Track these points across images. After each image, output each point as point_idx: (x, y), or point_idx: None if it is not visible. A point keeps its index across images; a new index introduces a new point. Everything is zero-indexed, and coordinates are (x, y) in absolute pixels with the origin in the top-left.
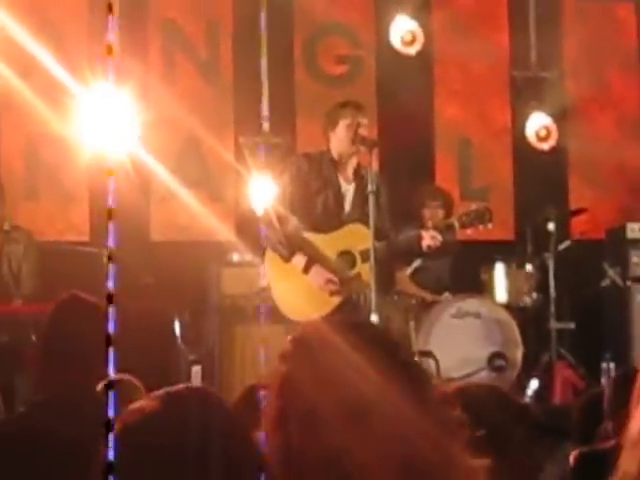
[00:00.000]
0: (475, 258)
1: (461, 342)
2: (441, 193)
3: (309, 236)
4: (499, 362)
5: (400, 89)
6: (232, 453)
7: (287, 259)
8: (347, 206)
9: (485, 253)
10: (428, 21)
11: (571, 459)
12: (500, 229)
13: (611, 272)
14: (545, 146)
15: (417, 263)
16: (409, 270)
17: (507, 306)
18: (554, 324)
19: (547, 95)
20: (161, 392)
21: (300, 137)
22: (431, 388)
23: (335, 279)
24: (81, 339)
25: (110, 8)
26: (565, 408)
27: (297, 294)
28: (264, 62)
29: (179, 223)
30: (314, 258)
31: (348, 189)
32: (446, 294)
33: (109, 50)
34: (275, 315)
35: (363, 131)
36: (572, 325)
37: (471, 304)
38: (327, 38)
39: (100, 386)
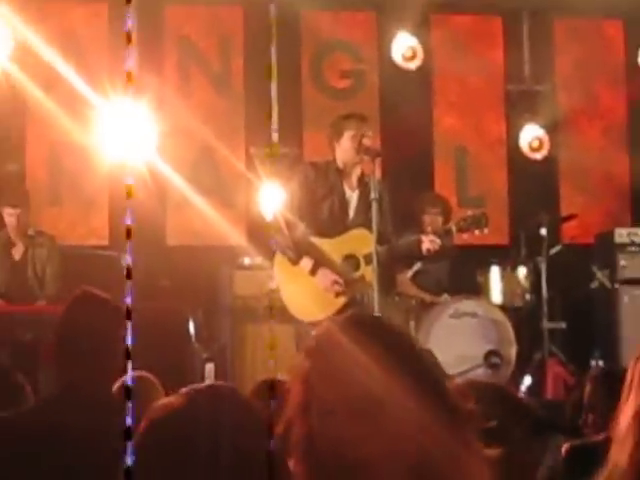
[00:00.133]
0: (472, 261)
1: (459, 341)
2: (440, 200)
3: (316, 240)
4: (495, 359)
5: (401, 102)
6: (252, 447)
7: (295, 262)
8: (351, 212)
9: (481, 257)
10: (427, 38)
11: (563, 451)
12: (495, 234)
13: (600, 275)
14: (538, 156)
15: (417, 266)
16: (410, 273)
17: (502, 307)
18: (546, 324)
19: (540, 108)
20: (187, 389)
21: (307, 147)
22: (445, 383)
23: (340, 281)
24: (92, 333)
25: (129, 38)
26: (557, 403)
27: (305, 295)
28: (273, 76)
29: (193, 228)
30: (320, 261)
31: (352, 196)
32: (445, 295)
33: (129, 77)
34: (284, 315)
35: (367, 141)
36: (563, 325)
37: (468, 305)
38: (332, 54)
39: (118, 383)
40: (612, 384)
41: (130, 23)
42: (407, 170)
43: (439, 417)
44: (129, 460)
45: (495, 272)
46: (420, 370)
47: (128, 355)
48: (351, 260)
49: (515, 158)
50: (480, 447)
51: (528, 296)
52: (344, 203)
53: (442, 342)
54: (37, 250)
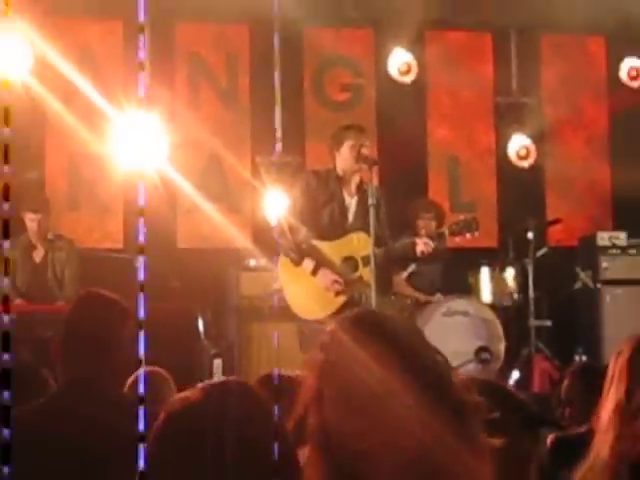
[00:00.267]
0: (463, 263)
1: (451, 337)
2: (433, 206)
3: (317, 243)
4: (485, 355)
5: (397, 114)
6: (264, 439)
7: (297, 264)
8: (350, 217)
9: (472, 259)
10: (422, 54)
11: (548, 442)
12: (485, 237)
13: (583, 276)
14: (525, 164)
15: (412, 267)
16: (405, 274)
17: (491, 306)
18: (533, 322)
19: (527, 119)
20: (204, 384)
21: (309, 156)
22: (450, 380)
23: (340, 281)
24: (95, 331)
25: (141, 30)
26: (543, 396)
27: (307, 295)
28: (277, 90)
29: (202, 232)
30: (321, 263)
31: (351, 202)
32: (438, 295)
33: (141, 66)
34: (287, 314)
35: (365, 151)
36: (549, 323)
37: (460, 304)
38: (333, 69)
39: (132, 378)
40: (588, 379)
41: (143, 42)
42: (402, 178)
43: (442, 413)
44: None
45: (485, 273)
46: (424, 367)
47: (141, 351)
48: (350, 262)
49: (504, 166)
50: (485, 442)
51: (516, 296)
52: (343, 209)
53: (435, 339)
54: (56, 253)
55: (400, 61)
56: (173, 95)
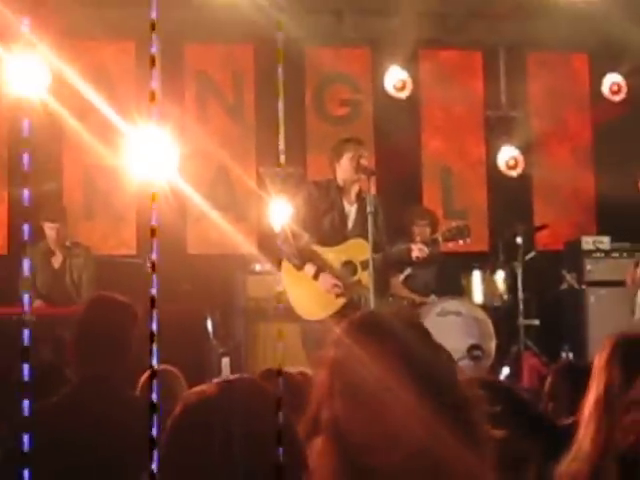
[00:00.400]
0: (456, 266)
1: (445, 336)
2: (428, 213)
3: (318, 249)
4: (476, 352)
5: (393, 127)
6: (272, 433)
7: (300, 268)
8: (350, 224)
9: (464, 262)
10: (416, 71)
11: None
12: (477, 242)
13: (569, 278)
14: (514, 174)
15: (408, 271)
16: (401, 277)
17: (483, 306)
18: (522, 321)
19: (515, 131)
20: (219, 380)
21: (310, 167)
22: (454, 371)
23: (340, 284)
24: (104, 331)
25: (153, 61)
26: (532, 390)
27: (309, 297)
28: (281, 105)
29: (211, 239)
30: (322, 267)
31: (351, 210)
32: (432, 296)
33: (152, 97)
34: (291, 315)
35: (363, 162)
36: (537, 322)
37: (453, 304)
38: (332, 85)
39: (145, 375)
40: (571, 376)
41: (154, 58)
42: (399, 187)
43: (442, 409)
44: (154, 433)
45: (477, 276)
46: (424, 364)
47: (153, 350)
48: (349, 266)
49: (494, 176)
50: (485, 436)
51: (506, 296)
52: (343, 216)
53: None
54: (74, 259)
55: (396, 78)
56: (183, 111)
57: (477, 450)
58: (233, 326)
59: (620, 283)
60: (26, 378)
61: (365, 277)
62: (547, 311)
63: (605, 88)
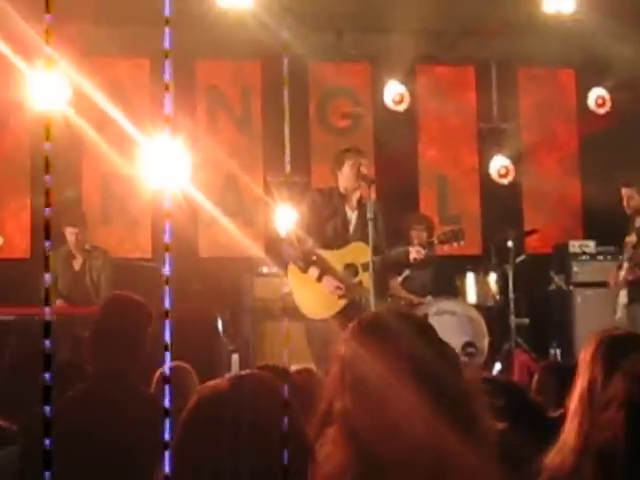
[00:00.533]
0: (451, 269)
1: (440, 334)
2: (424, 218)
3: (321, 252)
4: (470, 349)
5: (391, 138)
6: (281, 426)
7: (304, 271)
8: (351, 229)
9: (459, 265)
10: (414, 85)
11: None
12: (470, 246)
13: (557, 279)
14: (505, 182)
15: (406, 273)
16: (400, 278)
17: (476, 306)
18: (513, 320)
19: (506, 142)
20: (232, 375)
21: (314, 176)
22: (458, 367)
23: (342, 286)
24: (120, 329)
25: (167, 88)
26: (522, 385)
27: (313, 298)
28: (286, 118)
29: (221, 243)
30: (325, 270)
31: (352, 216)
32: (429, 297)
33: (167, 119)
34: (296, 314)
35: (364, 170)
36: (527, 320)
37: (448, 304)
38: (334, 99)
39: (159, 372)
40: (557, 374)
41: (168, 75)
42: (397, 194)
43: (444, 405)
44: (167, 430)
45: (470, 277)
46: (425, 362)
47: (167, 348)
48: (351, 268)
49: (486, 184)
50: (488, 430)
51: (498, 297)
52: (345, 222)
53: None
54: (93, 262)
55: (394, 92)
56: (195, 123)
57: (478, 444)
58: (241, 324)
59: (605, 284)
60: (47, 383)
61: (366, 279)
62: (536, 310)
63: (591, 101)
